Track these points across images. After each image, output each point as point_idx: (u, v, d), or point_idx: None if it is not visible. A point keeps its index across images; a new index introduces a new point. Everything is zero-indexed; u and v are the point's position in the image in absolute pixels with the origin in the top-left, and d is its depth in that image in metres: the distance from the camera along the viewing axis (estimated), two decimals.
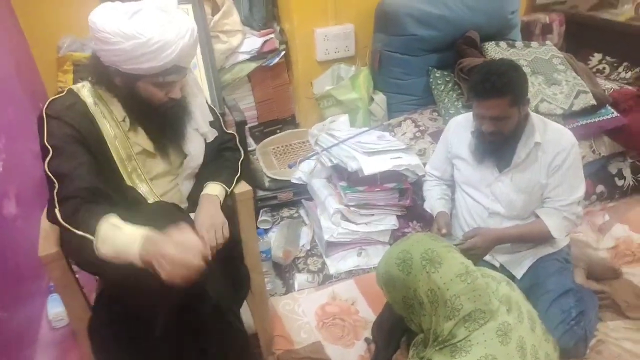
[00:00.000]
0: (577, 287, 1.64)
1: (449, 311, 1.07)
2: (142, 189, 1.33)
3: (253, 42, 2.62)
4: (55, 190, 1.18)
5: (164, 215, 1.20)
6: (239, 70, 2.63)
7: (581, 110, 2.21)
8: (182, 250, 1.05)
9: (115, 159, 1.29)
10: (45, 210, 1.46)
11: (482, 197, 1.70)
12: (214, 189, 1.41)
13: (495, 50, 2.39)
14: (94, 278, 1.53)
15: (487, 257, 1.72)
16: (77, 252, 1.21)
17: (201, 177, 1.46)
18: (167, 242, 1.06)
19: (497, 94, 1.45)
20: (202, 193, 1.40)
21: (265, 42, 2.65)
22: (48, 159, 1.19)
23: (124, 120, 1.31)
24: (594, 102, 2.22)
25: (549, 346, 1.20)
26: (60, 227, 1.18)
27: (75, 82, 2.48)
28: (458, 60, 2.38)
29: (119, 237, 1.09)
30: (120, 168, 1.30)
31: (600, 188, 2.32)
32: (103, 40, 1.17)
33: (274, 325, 1.79)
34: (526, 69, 2.29)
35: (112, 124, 1.29)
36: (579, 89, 2.25)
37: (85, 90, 1.29)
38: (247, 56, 2.62)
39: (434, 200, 1.83)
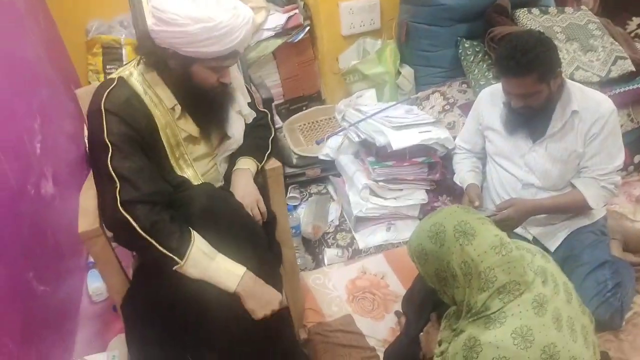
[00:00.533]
0: (613, 259, 1.60)
1: (482, 283, 1.06)
2: (188, 173, 1.36)
3: (277, 18, 2.60)
4: (117, 190, 1.18)
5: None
6: (264, 48, 2.61)
7: (619, 77, 2.12)
8: (265, 304, 1.22)
9: (165, 146, 1.30)
10: (83, 189, 1.51)
11: (515, 169, 1.66)
12: (245, 163, 1.44)
13: (527, 18, 2.30)
14: (130, 254, 1.58)
15: (520, 230, 1.70)
16: (143, 250, 1.24)
17: (234, 154, 1.49)
18: (260, 290, 1.22)
19: (522, 72, 1.40)
20: (235, 168, 1.43)
21: (289, 18, 2.62)
22: (109, 157, 1.18)
23: (173, 108, 1.31)
24: (632, 68, 2.13)
25: (585, 318, 1.18)
26: (121, 228, 1.19)
27: (104, 65, 2.52)
28: (488, 30, 2.30)
29: (212, 268, 1.20)
30: (169, 155, 1.32)
31: (638, 158, 2.24)
32: (168, 22, 1.16)
33: (304, 299, 1.82)
34: (560, 36, 2.21)
35: (162, 112, 1.29)
36: (617, 54, 2.15)
37: (133, 79, 1.29)
38: (271, 33, 2.59)
39: (464, 173, 1.81)
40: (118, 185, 1.17)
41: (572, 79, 2.03)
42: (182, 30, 1.15)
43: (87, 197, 1.44)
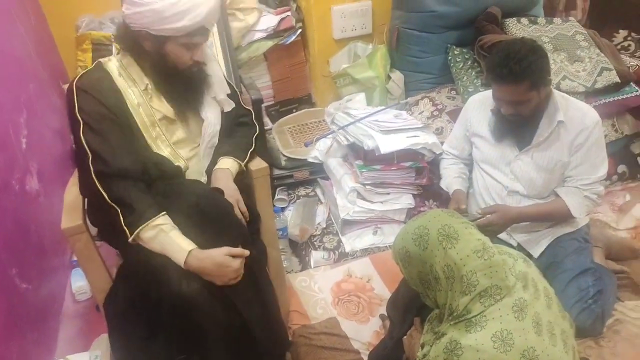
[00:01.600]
0: (595, 266, 1.62)
1: (464, 287, 1.07)
2: (166, 152, 1.40)
3: (269, 20, 2.60)
4: (90, 161, 1.25)
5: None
6: (255, 49, 2.62)
7: (604, 87, 2.16)
8: (220, 269, 1.23)
9: (139, 126, 1.35)
10: (68, 185, 1.50)
11: (501, 176, 1.68)
12: (226, 163, 1.46)
13: (516, 27, 2.33)
14: (115, 252, 1.57)
15: (504, 236, 1.71)
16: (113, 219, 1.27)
17: (216, 153, 1.50)
18: (207, 262, 1.22)
19: (515, 79, 1.41)
20: (215, 167, 1.46)
21: (281, 20, 2.63)
22: (81, 131, 1.26)
23: (146, 89, 1.37)
24: (617, 79, 2.16)
25: (565, 323, 1.19)
26: (94, 196, 1.27)
27: (93, 61, 2.50)
28: (478, 37, 2.33)
29: (167, 242, 1.24)
30: (145, 135, 1.36)
31: (621, 168, 2.28)
32: (135, 2, 1.22)
33: (290, 301, 1.82)
34: (548, 46, 2.24)
35: (135, 92, 1.35)
36: (603, 66, 2.19)
37: (111, 64, 1.37)
38: (263, 34, 2.60)
39: (450, 179, 1.82)
40: (90, 157, 1.25)
41: (559, 89, 2.07)
42: (149, 8, 1.22)
43: (71, 194, 1.43)
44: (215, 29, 2.29)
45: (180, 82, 1.36)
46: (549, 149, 1.58)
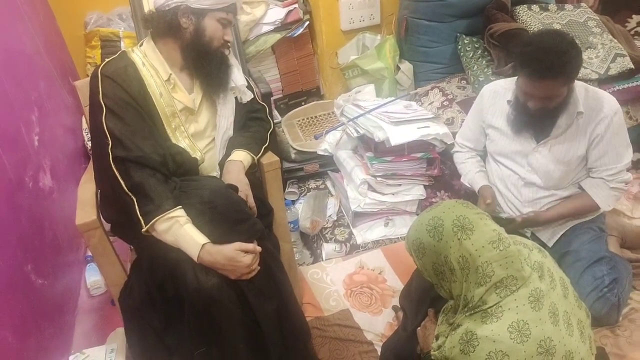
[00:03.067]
0: (610, 255, 1.61)
1: (480, 278, 1.07)
2: (184, 143, 1.41)
3: (277, 12, 2.59)
4: (110, 147, 1.26)
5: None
6: (263, 42, 2.60)
7: (618, 74, 2.12)
8: (231, 264, 1.24)
9: (161, 116, 1.36)
10: (81, 182, 1.51)
11: (517, 167, 1.65)
12: (239, 155, 1.47)
13: (527, 14, 2.30)
14: (127, 247, 1.58)
15: None
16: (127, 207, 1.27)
17: (229, 145, 1.51)
18: (219, 257, 1.23)
19: (554, 75, 1.35)
20: (228, 159, 1.46)
21: (289, 12, 2.61)
22: (104, 116, 1.27)
23: (168, 79, 1.39)
24: (631, 65, 2.13)
25: (582, 313, 1.18)
26: (109, 184, 1.29)
27: (102, 57, 2.51)
28: (488, 26, 2.30)
29: (181, 234, 1.24)
30: (165, 125, 1.38)
31: (637, 156, 2.24)
32: None
33: (302, 293, 1.82)
34: None
35: (157, 82, 1.37)
36: (616, 52, 2.15)
37: (134, 54, 1.39)
38: (271, 27, 2.59)
39: (473, 174, 1.78)
40: (110, 142, 1.26)
41: None
42: None
43: (85, 190, 1.44)
44: None
45: (212, 61, 1.39)
46: (567, 140, 1.55)
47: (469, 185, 1.80)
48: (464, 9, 2.37)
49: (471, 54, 2.34)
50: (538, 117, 1.51)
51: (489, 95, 1.70)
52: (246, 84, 1.55)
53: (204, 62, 1.39)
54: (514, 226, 1.58)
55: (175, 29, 1.35)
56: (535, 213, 1.62)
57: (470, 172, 1.80)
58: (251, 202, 1.40)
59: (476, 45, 2.36)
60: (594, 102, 1.52)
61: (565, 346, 1.03)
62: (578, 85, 1.54)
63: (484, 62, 2.30)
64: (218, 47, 1.41)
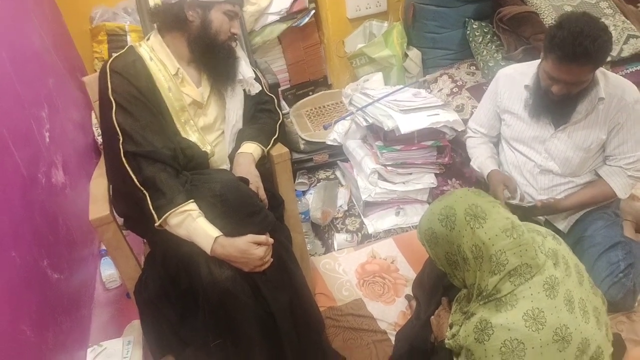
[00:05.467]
0: (625, 240, 1.59)
1: (494, 266, 1.06)
2: (194, 137, 1.41)
3: (282, 2, 2.57)
4: (120, 142, 1.26)
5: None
6: (269, 32, 2.59)
7: (631, 56, 2.09)
8: (244, 256, 1.24)
9: (170, 110, 1.37)
10: (93, 177, 1.52)
11: (534, 154, 1.63)
12: (249, 147, 1.47)
13: None
14: (140, 241, 1.59)
15: None
16: (139, 202, 1.28)
17: (239, 137, 1.51)
18: (231, 249, 1.23)
19: (586, 60, 1.31)
20: (238, 151, 1.46)
21: (294, 1, 2.59)
22: (113, 112, 1.27)
23: (176, 73, 1.38)
24: None
25: (597, 300, 1.17)
26: (121, 179, 1.28)
27: (109, 52, 2.51)
28: (497, 10, 2.27)
29: (193, 228, 1.24)
30: (174, 119, 1.38)
31: None
32: None
33: (315, 284, 1.83)
34: None
35: (166, 77, 1.37)
36: (629, 33, 2.11)
37: (142, 48, 1.39)
38: (276, 17, 2.57)
39: (483, 159, 1.74)
40: (121, 138, 1.26)
41: None
42: None
43: (97, 185, 1.45)
44: None
45: (219, 54, 1.39)
46: (587, 127, 1.52)
47: (478, 170, 1.77)
48: None
49: (480, 39, 2.31)
50: (559, 102, 1.47)
51: (505, 79, 1.66)
52: (254, 76, 1.54)
53: (211, 56, 1.39)
54: (533, 212, 1.56)
55: (182, 22, 1.35)
56: (555, 200, 1.60)
57: (480, 157, 1.77)
58: (262, 194, 1.40)
59: (485, 30, 2.33)
60: (614, 89, 1.48)
61: (581, 333, 1.03)
62: (597, 70, 1.49)
63: (494, 47, 2.27)
64: (225, 40, 1.40)
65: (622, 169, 1.54)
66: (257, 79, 1.57)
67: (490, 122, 1.76)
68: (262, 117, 1.56)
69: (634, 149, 1.52)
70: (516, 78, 1.61)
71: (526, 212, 1.54)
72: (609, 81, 1.50)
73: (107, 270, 1.95)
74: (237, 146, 1.49)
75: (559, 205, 1.58)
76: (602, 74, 1.51)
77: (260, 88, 1.57)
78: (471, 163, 1.82)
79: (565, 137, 1.56)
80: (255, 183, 1.40)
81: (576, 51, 1.29)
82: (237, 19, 1.41)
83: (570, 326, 1.02)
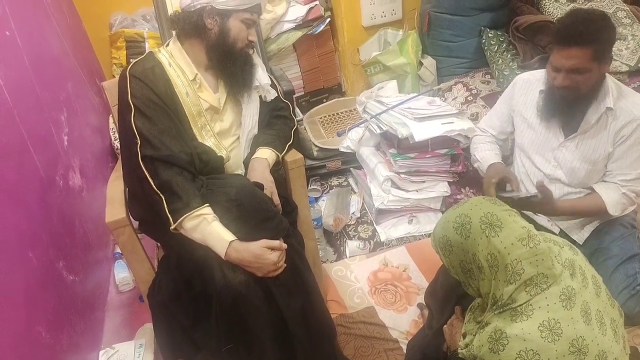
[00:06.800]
0: None
1: (509, 275, 1.05)
2: (210, 142, 1.43)
3: (298, 10, 2.59)
4: (138, 146, 1.28)
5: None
6: (285, 40, 2.61)
7: None
8: (258, 261, 1.25)
9: (187, 115, 1.38)
10: (109, 180, 1.54)
11: (543, 162, 1.63)
12: (264, 153, 1.49)
13: (554, 6, 2.25)
14: (154, 244, 1.61)
15: (547, 223, 1.67)
16: (155, 206, 1.30)
17: (254, 143, 1.52)
18: (246, 254, 1.24)
19: (582, 42, 1.34)
20: (253, 157, 1.48)
21: (310, 9, 2.61)
22: (132, 116, 1.29)
23: (194, 79, 1.40)
24: None
25: (615, 312, 1.15)
26: (138, 183, 1.30)
27: (128, 58, 2.56)
28: (513, 19, 2.26)
29: (208, 232, 1.26)
30: (191, 124, 1.40)
31: None
32: None
33: (327, 290, 1.82)
34: None
35: (184, 82, 1.39)
36: None
37: (161, 54, 1.42)
38: (292, 25, 2.60)
39: (484, 152, 1.74)
40: (139, 142, 1.28)
41: None
42: None
43: (114, 188, 1.47)
44: None
45: (237, 61, 1.41)
46: (595, 137, 1.51)
47: (478, 163, 1.75)
48: (489, 2, 2.34)
49: (496, 48, 2.31)
50: (567, 104, 1.48)
51: (522, 84, 1.67)
52: (270, 82, 1.56)
53: (228, 63, 1.40)
54: (531, 206, 1.52)
55: (201, 29, 1.37)
56: (551, 195, 1.53)
57: (482, 151, 1.76)
58: (276, 199, 1.41)
59: (501, 39, 2.32)
60: (625, 102, 1.47)
61: (598, 345, 1.01)
62: (612, 81, 1.50)
63: (509, 55, 2.26)
64: (242, 48, 1.42)
65: (617, 186, 1.52)
66: (272, 85, 1.58)
67: (502, 125, 1.76)
68: (277, 123, 1.58)
69: (632, 166, 1.49)
70: (533, 84, 1.61)
71: (523, 206, 1.50)
72: (622, 94, 1.48)
73: (121, 274, 1.97)
74: (252, 151, 1.50)
75: (555, 204, 1.53)
76: (617, 86, 1.50)
77: (276, 94, 1.58)
78: (471, 158, 1.80)
79: (574, 147, 1.55)
80: (270, 188, 1.41)
81: (573, 34, 1.34)
82: (254, 27, 1.43)
83: (587, 338, 1.00)
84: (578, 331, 1.00)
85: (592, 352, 1.00)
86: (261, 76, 1.52)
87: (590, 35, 1.33)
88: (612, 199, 1.52)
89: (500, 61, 2.27)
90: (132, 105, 1.30)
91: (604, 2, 2.28)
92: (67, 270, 1.58)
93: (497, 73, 2.27)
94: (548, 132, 1.59)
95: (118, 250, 2.06)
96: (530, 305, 1.03)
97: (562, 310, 1.02)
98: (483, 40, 2.35)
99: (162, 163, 1.28)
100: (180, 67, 1.40)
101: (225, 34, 1.37)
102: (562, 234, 1.65)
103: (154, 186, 1.27)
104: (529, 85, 1.64)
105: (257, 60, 1.54)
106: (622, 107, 1.47)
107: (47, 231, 1.50)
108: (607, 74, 1.49)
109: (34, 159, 1.51)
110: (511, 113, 1.71)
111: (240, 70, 1.43)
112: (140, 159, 1.28)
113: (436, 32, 2.50)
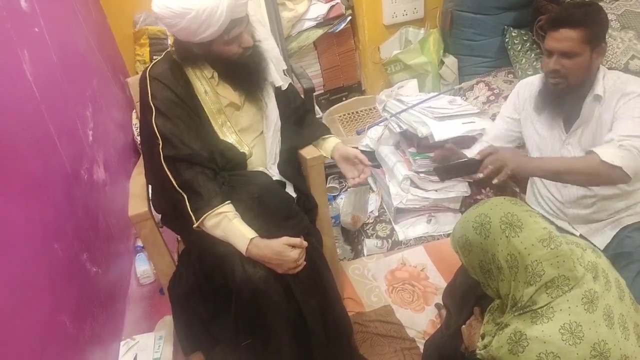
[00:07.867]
0: None
1: (529, 277, 1.04)
2: (232, 138, 1.44)
3: (319, 8, 2.60)
4: (160, 147, 1.30)
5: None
6: (305, 38, 2.62)
7: None
8: (279, 258, 1.26)
9: (207, 113, 1.40)
10: (132, 175, 1.57)
11: None
12: (332, 141, 1.58)
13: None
14: (174, 238, 1.63)
15: (566, 227, 1.65)
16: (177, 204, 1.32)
17: (302, 138, 1.58)
18: (267, 250, 1.25)
19: (572, 24, 1.37)
20: (333, 146, 1.56)
21: (331, 7, 2.62)
22: (153, 117, 1.31)
23: (212, 77, 1.42)
24: None
25: (639, 316, 1.13)
26: (161, 183, 1.33)
27: (151, 55, 2.59)
28: (537, 18, 2.23)
29: (229, 229, 1.28)
30: (212, 122, 1.41)
31: None
32: (168, 24, 1.27)
33: (343, 288, 1.83)
34: (615, 24, 2.11)
35: (202, 81, 1.40)
36: None
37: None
38: (313, 23, 2.60)
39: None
40: (161, 142, 1.30)
41: (627, 69, 1.95)
42: (179, 28, 1.25)
43: (137, 182, 1.50)
44: (266, 19, 2.31)
45: (240, 69, 1.40)
46: (593, 127, 1.50)
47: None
48: (512, 1, 2.31)
49: (519, 47, 2.28)
50: (557, 95, 1.49)
51: (526, 86, 1.68)
52: (283, 71, 1.55)
53: (233, 71, 1.40)
54: (472, 168, 1.47)
55: (193, 57, 1.37)
56: (500, 149, 1.49)
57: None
58: (363, 158, 1.50)
59: (524, 38, 2.29)
60: (622, 84, 1.45)
61: (620, 350, 0.99)
62: (611, 73, 1.49)
63: (533, 55, 2.23)
64: (239, 57, 1.37)
65: (614, 141, 1.40)
66: (289, 86, 1.58)
67: (508, 134, 1.75)
68: (309, 116, 1.63)
69: (631, 126, 1.39)
70: (535, 84, 1.61)
71: (467, 169, 1.51)
72: (620, 80, 1.47)
73: (142, 266, 2.00)
74: (285, 144, 1.52)
75: (518, 157, 1.45)
76: (617, 75, 1.48)
77: (289, 81, 1.59)
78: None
79: (576, 142, 1.55)
80: (355, 152, 1.50)
81: (562, 16, 1.40)
82: (244, 34, 1.34)
83: (609, 342, 0.99)
84: (600, 335, 0.99)
85: (614, 357, 0.98)
86: (276, 64, 1.51)
87: (579, 17, 1.37)
88: (606, 150, 1.38)
89: (523, 60, 2.24)
90: (153, 107, 1.31)
91: (631, 1, 2.22)
92: (90, 262, 1.62)
93: (520, 72, 2.24)
94: (552, 133, 1.59)
95: (139, 243, 2.10)
96: (552, 307, 1.02)
97: (584, 314, 1.01)
98: (506, 40, 2.32)
99: (183, 162, 1.30)
100: (199, 66, 1.40)
101: (216, 56, 1.36)
102: (582, 239, 1.62)
103: (176, 185, 1.29)
104: (531, 86, 1.64)
105: (272, 46, 1.52)
106: (611, 89, 1.45)
107: (72, 224, 1.54)
108: (601, 66, 1.48)
109: (60, 153, 1.55)
110: (516, 116, 1.71)
111: (245, 75, 1.42)
112: (162, 159, 1.30)
113: (458, 31, 2.48)
